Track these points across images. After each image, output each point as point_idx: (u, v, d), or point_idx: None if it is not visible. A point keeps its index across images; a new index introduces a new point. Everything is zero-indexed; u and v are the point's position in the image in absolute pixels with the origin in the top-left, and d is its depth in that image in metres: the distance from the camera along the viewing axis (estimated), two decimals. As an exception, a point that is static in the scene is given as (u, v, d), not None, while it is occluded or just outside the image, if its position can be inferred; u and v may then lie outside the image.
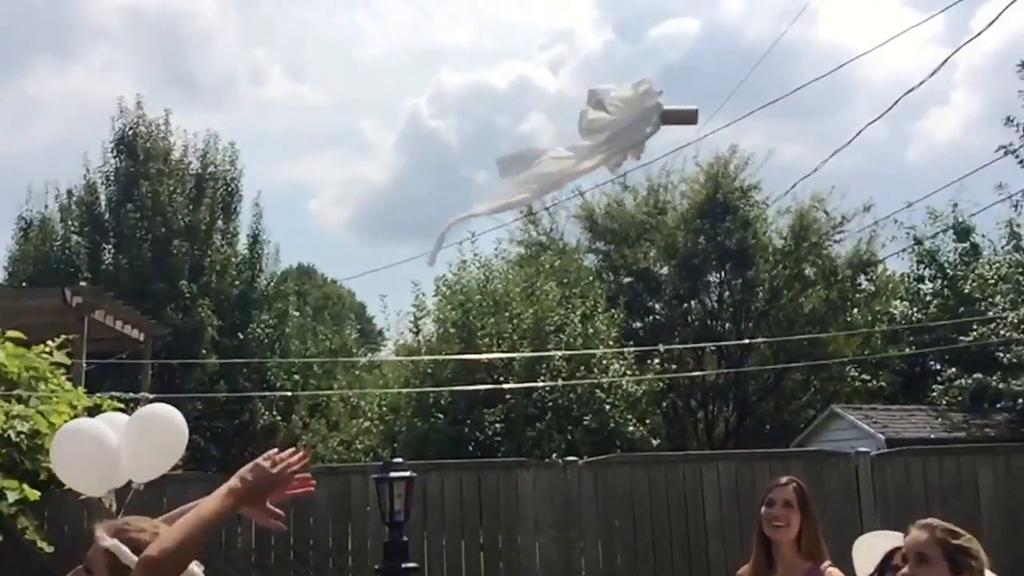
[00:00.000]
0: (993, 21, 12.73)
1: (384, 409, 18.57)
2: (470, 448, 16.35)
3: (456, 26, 59.97)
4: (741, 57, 47.57)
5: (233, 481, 2.61)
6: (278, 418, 20.97)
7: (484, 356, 16.92)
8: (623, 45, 50.24)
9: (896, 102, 13.88)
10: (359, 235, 66.73)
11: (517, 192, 2.99)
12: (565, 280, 19.97)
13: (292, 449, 2.82)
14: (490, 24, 59.17)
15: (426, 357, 18.08)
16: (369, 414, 19.21)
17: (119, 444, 5.75)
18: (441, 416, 16.98)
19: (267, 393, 20.48)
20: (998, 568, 9.90)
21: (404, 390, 18.07)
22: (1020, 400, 12.21)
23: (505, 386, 16.75)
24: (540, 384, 16.92)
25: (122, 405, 9.07)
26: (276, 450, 2.76)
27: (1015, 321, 14.77)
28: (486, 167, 57.10)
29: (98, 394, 9.62)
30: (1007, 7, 12.46)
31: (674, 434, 24.20)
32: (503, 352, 17.16)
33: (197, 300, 20.34)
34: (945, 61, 13.88)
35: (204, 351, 19.86)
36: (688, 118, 3.04)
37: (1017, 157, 15.46)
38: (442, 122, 57.91)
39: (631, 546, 9.69)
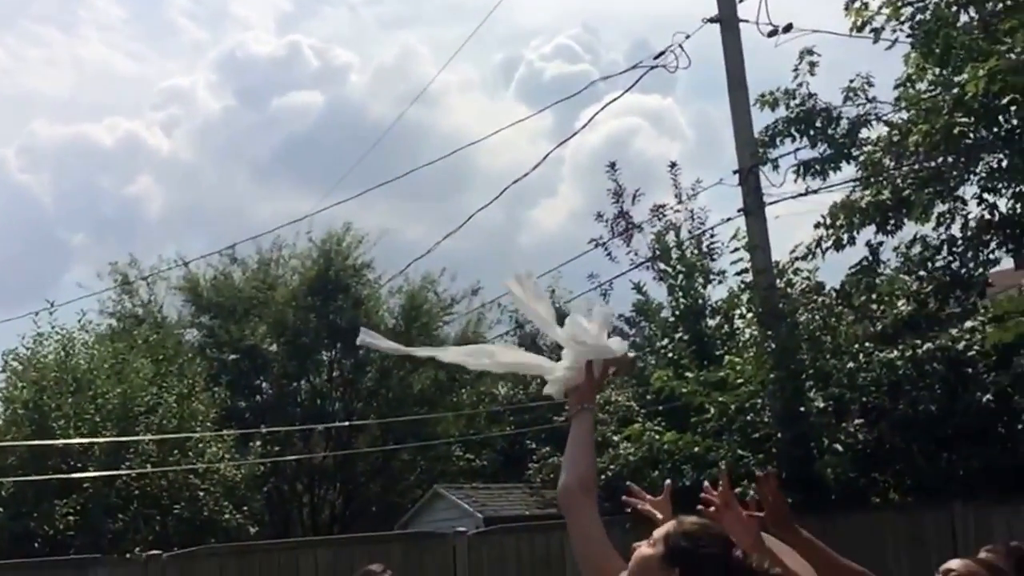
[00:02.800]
0: (586, 124, 13.73)
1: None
2: (36, 545, 14.59)
3: (54, 73, 54.91)
4: (365, 135, 48.22)
5: None
6: None
7: (59, 441, 15.23)
8: (244, 112, 48.86)
9: (504, 190, 14.78)
10: (-82, 301, 58.29)
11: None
12: (161, 356, 18.68)
13: None
14: (95, 75, 54.81)
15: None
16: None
17: None
18: (2, 509, 15.09)
19: None
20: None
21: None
22: (603, 476, 12.92)
23: (83, 474, 15.19)
24: (125, 471, 15.53)
25: None
26: None
27: (601, 402, 15.73)
28: (85, 229, 52.37)
29: None
30: (598, 112, 13.62)
31: (276, 520, 23.34)
32: (82, 436, 15.56)
33: None
34: (546, 156, 14.98)
35: None
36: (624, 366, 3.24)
37: (606, 250, 16.69)
38: (33, 176, 52.45)
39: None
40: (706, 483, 3.20)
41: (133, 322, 23.70)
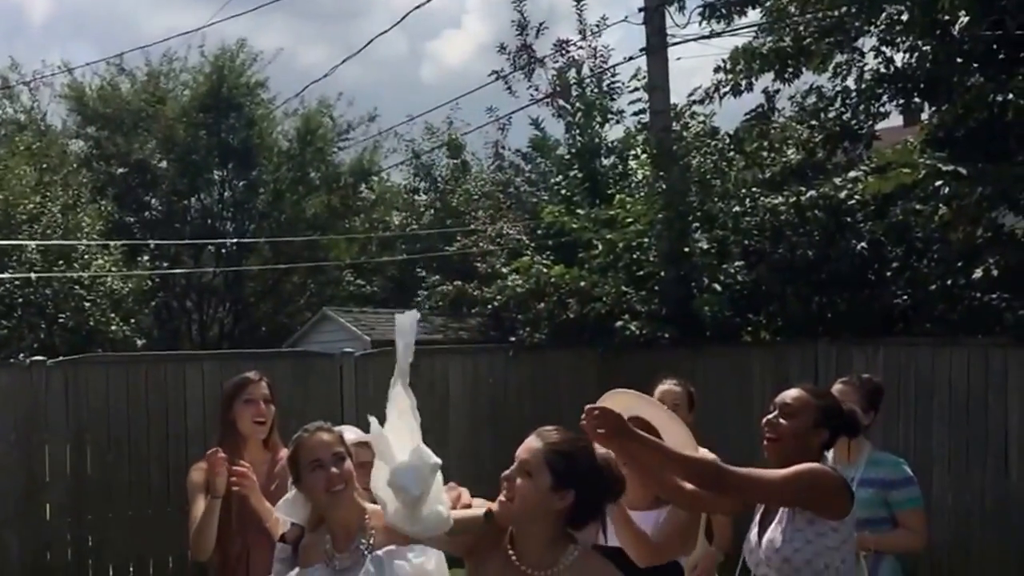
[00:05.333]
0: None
1: None
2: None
3: None
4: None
5: None
6: None
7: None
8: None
9: (405, 15, 14.38)
10: None
11: None
12: (45, 165, 18.07)
13: None
14: None
15: None
16: None
17: None
18: None
19: None
20: (462, 455, 10.55)
21: None
22: (490, 306, 13.23)
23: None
24: (8, 275, 15.22)
25: None
26: None
27: (492, 235, 15.93)
28: None
29: None
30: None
31: (165, 335, 23.33)
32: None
33: None
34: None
35: None
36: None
37: (506, 83, 16.57)
38: None
39: (104, 452, 9.07)
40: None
41: (15, 128, 22.83)
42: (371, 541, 3.16)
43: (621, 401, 3.78)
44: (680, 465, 3.10)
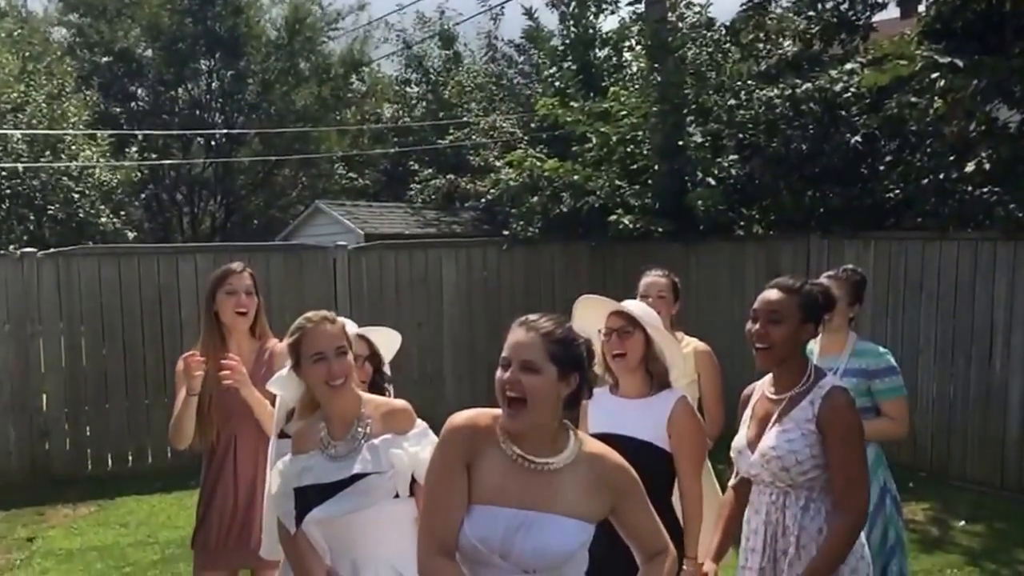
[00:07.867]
0: None
1: None
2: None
3: None
4: None
5: None
6: None
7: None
8: None
9: None
10: None
11: None
12: (28, 53, 17.71)
13: None
14: None
15: None
16: None
17: None
18: None
19: None
20: (457, 347, 10.63)
21: None
22: (483, 200, 13.17)
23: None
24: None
25: None
26: None
27: (485, 127, 15.78)
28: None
29: None
30: None
31: (156, 228, 23.26)
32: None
33: None
34: None
35: None
36: None
37: (500, -29, 16.20)
38: None
39: (99, 343, 9.14)
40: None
41: (-5, 16, 22.27)
42: (368, 430, 3.20)
43: (594, 305, 3.82)
44: (838, 562, 3.17)
